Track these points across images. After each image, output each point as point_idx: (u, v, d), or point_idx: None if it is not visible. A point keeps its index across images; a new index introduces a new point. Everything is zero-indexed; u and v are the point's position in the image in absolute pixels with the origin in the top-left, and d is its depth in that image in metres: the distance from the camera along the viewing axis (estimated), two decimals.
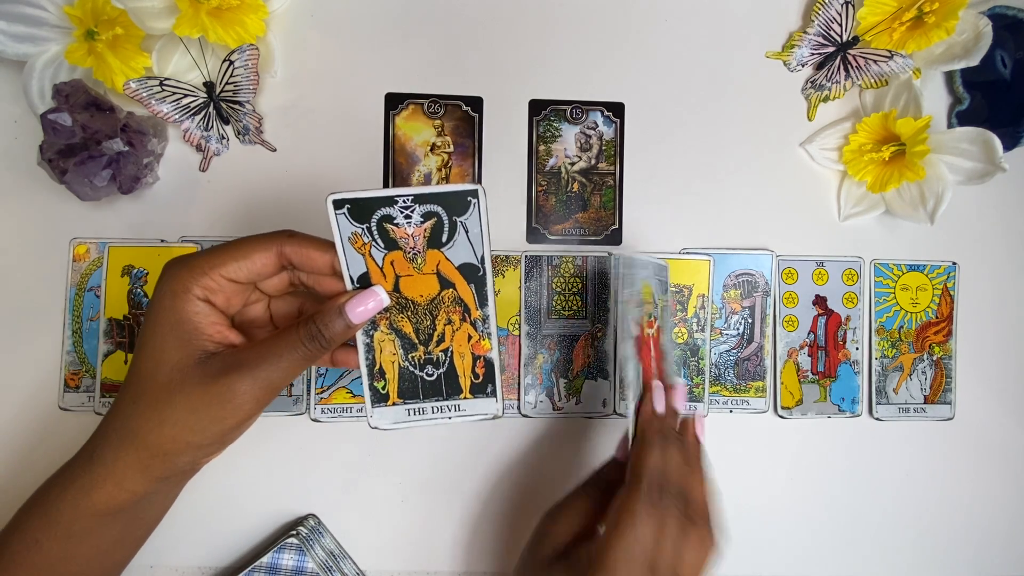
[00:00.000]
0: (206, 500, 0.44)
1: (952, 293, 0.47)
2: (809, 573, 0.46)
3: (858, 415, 0.47)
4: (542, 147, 0.46)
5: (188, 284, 0.29)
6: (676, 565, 0.31)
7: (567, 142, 0.46)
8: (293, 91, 0.45)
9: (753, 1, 0.47)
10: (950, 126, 0.47)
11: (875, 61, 0.44)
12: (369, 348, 0.34)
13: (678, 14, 0.47)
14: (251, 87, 0.42)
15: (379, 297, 0.31)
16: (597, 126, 0.46)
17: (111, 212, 0.44)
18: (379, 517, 0.44)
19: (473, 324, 0.34)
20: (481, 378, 0.35)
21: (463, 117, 0.46)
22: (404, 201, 0.30)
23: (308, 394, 0.44)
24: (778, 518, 0.46)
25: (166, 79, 0.41)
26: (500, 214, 0.45)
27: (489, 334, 0.33)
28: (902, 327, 0.47)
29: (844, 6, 0.44)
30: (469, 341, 0.34)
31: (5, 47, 0.40)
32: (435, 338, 0.34)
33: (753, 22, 0.47)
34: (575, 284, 0.45)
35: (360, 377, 0.43)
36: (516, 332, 0.45)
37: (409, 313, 0.33)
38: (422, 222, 0.31)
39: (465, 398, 0.35)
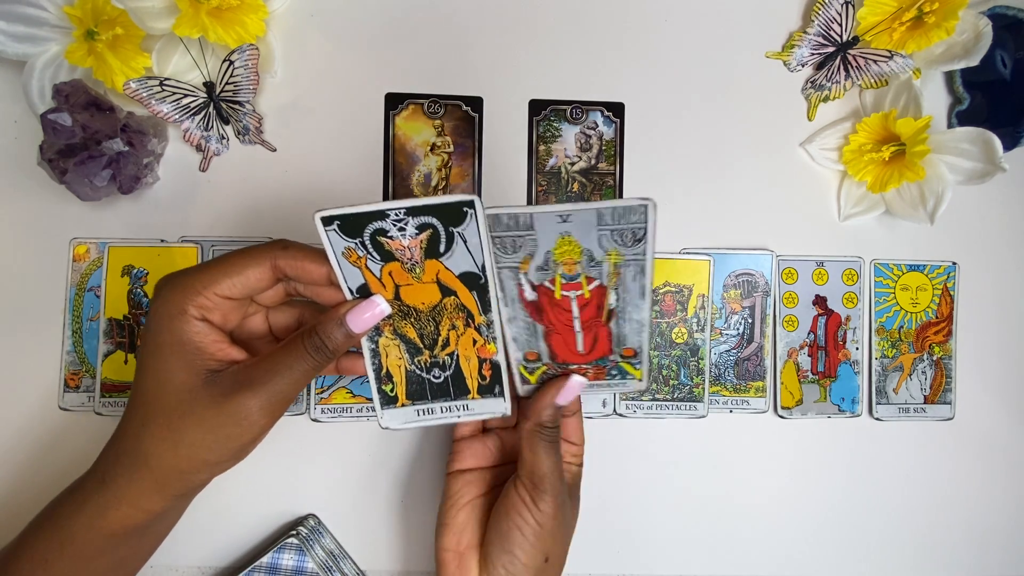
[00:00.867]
0: (206, 500, 0.43)
1: (952, 293, 0.47)
2: (809, 573, 0.46)
3: (858, 415, 0.47)
4: (542, 147, 0.46)
5: (183, 305, 0.29)
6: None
7: (567, 142, 0.46)
8: (293, 91, 0.45)
9: (753, 1, 0.47)
10: (950, 126, 0.47)
11: (875, 61, 0.44)
12: (375, 353, 0.34)
13: (678, 14, 0.47)
14: (251, 87, 0.42)
15: (379, 307, 0.31)
16: (597, 126, 0.46)
17: (111, 212, 0.44)
18: (379, 517, 0.44)
19: (477, 329, 0.33)
20: (488, 379, 0.34)
21: (463, 117, 0.46)
22: (396, 214, 0.29)
23: (308, 394, 0.44)
24: (778, 518, 0.46)
25: (166, 79, 0.41)
26: None
27: (494, 338, 0.33)
28: (902, 327, 0.47)
29: (844, 6, 0.44)
30: (475, 345, 0.34)
31: (5, 47, 0.40)
32: (440, 343, 0.34)
33: (753, 22, 0.47)
34: None
35: (365, 379, 0.43)
36: None
37: (412, 319, 0.33)
38: (417, 233, 0.30)
39: (473, 398, 0.35)
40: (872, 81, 0.45)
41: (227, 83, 0.42)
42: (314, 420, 0.44)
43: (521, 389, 0.35)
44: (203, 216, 0.44)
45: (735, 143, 0.47)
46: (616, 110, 0.46)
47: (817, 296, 0.47)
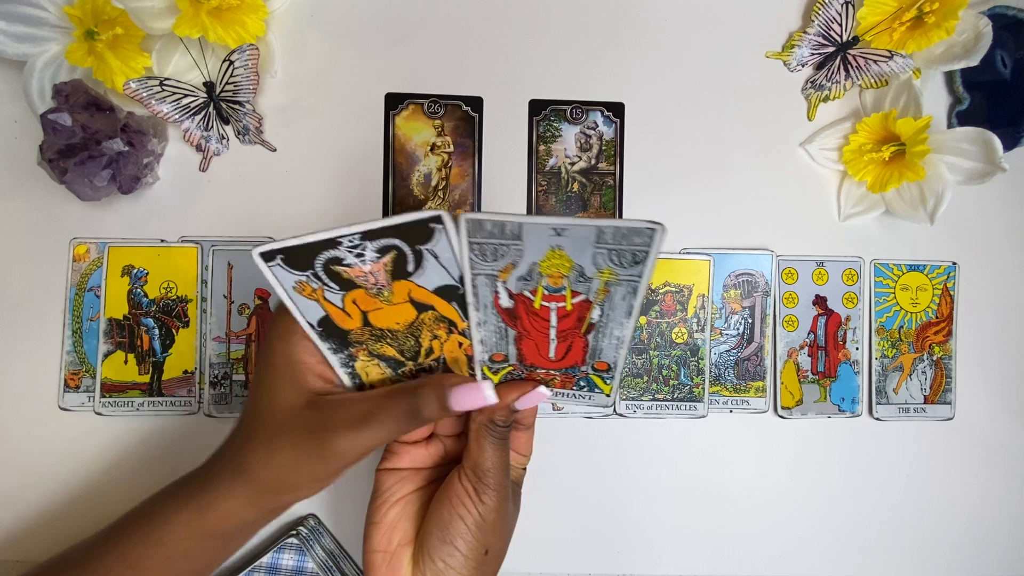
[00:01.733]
0: None
1: (952, 293, 0.47)
2: (809, 573, 0.46)
3: (858, 415, 0.47)
4: (542, 147, 0.46)
5: (293, 326, 0.30)
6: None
7: (567, 142, 0.46)
8: (293, 91, 0.45)
9: (753, 1, 0.47)
10: (950, 126, 0.47)
11: (875, 61, 0.44)
12: (353, 375, 0.32)
13: (678, 14, 0.47)
14: (251, 87, 0.42)
15: (485, 394, 0.30)
16: (597, 126, 0.46)
17: (111, 212, 0.44)
18: None
19: (462, 333, 0.31)
20: (475, 372, 0.33)
21: (463, 117, 0.46)
22: (350, 240, 0.25)
23: None
24: (778, 518, 0.46)
25: (166, 79, 0.41)
26: None
27: (481, 340, 0.31)
28: (902, 327, 0.47)
29: (844, 6, 0.44)
30: (461, 347, 0.32)
31: (5, 47, 0.40)
32: (423, 352, 0.32)
33: (753, 22, 0.47)
34: None
35: None
36: None
37: (388, 340, 0.31)
38: (379, 257, 0.27)
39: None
40: (872, 81, 0.45)
41: (227, 83, 0.42)
42: None
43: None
44: (203, 216, 0.44)
45: (735, 143, 0.47)
46: (616, 110, 0.46)
47: (817, 296, 0.47)
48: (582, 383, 0.33)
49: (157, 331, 0.44)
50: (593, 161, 0.46)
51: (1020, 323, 0.48)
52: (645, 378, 0.45)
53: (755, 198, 0.47)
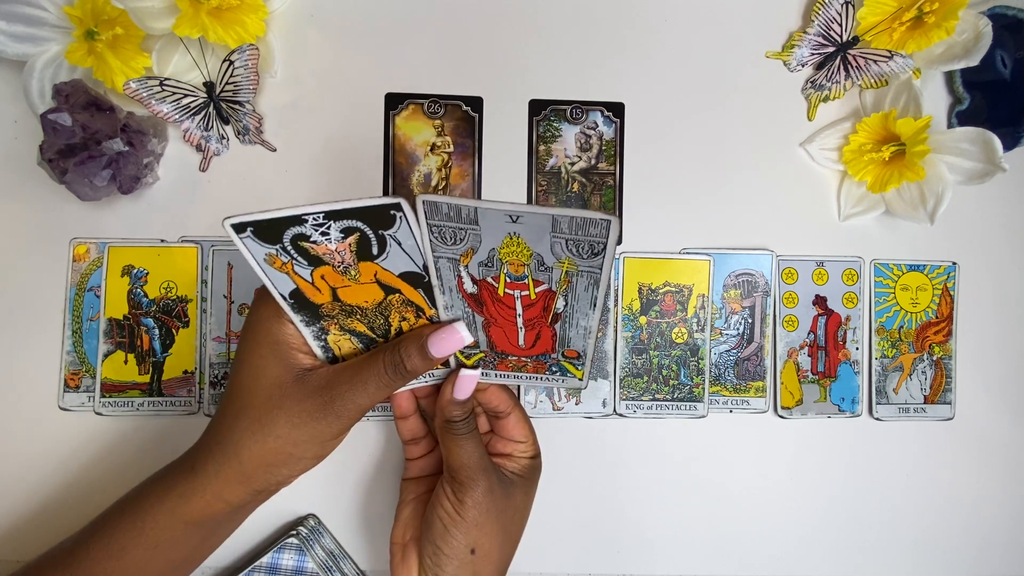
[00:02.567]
0: None
1: (952, 293, 0.47)
2: (809, 573, 0.46)
3: (858, 415, 0.47)
4: (542, 147, 0.46)
5: (276, 306, 0.31)
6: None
7: (567, 142, 0.46)
8: (293, 91, 0.45)
9: (753, 1, 0.47)
10: (950, 126, 0.47)
11: (875, 61, 0.44)
12: (326, 348, 0.33)
13: (678, 14, 0.47)
14: (251, 87, 0.42)
15: (460, 335, 0.31)
16: (597, 126, 0.46)
17: (111, 212, 0.44)
18: (379, 517, 0.44)
19: (430, 319, 0.32)
20: (448, 358, 0.33)
21: (463, 117, 0.46)
22: (316, 219, 0.26)
23: None
24: (778, 518, 0.46)
25: (166, 79, 0.41)
26: None
27: None
28: (902, 327, 0.47)
29: (844, 6, 0.44)
30: None
31: (5, 47, 0.40)
32: (393, 331, 0.32)
33: (753, 22, 0.47)
34: None
35: None
36: None
37: (359, 316, 0.31)
38: (343, 237, 0.27)
39: (437, 369, 0.34)
40: (872, 81, 0.45)
41: (227, 83, 0.42)
42: None
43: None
44: (203, 216, 0.44)
45: (735, 143, 0.47)
46: (616, 110, 0.46)
47: (817, 296, 0.47)
48: (554, 369, 0.34)
49: (157, 331, 0.44)
50: (593, 161, 0.46)
51: (1020, 323, 0.48)
52: (645, 378, 0.45)
53: (755, 198, 0.47)
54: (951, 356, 0.47)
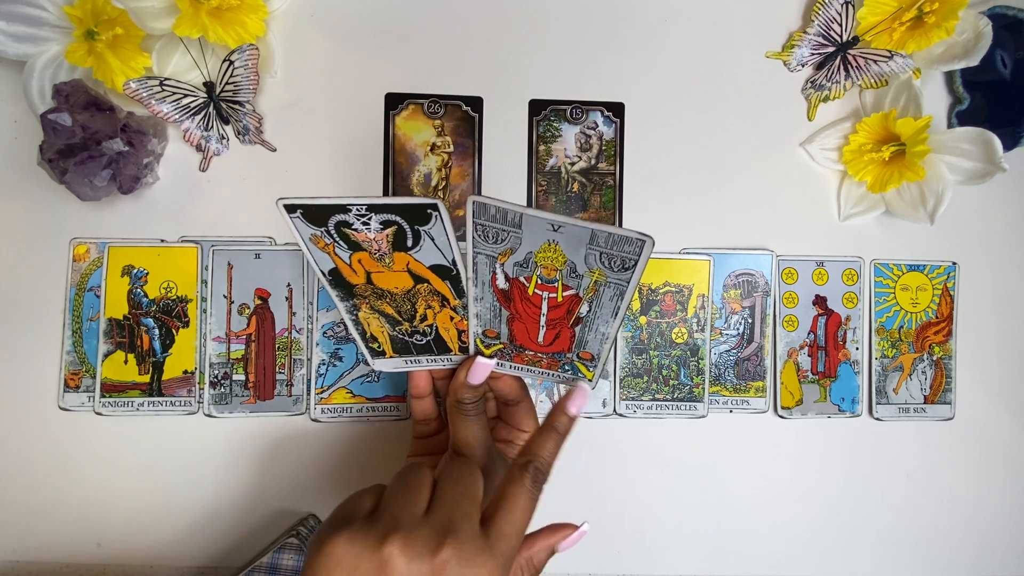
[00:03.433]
0: (206, 500, 0.44)
1: (952, 293, 0.47)
2: (809, 573, 0.46)
3: (858, 415, 0.47)
4: (542, 147, 0.46)
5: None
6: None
7: (567, 142, 0.46)
8: (293, 91, 0.45)
9: (753, 1, 0.47)
10: (950, 126, 0.47)
11: (875, 61, 0.44)
12: (356, 323, 0.35)
13: (678, 14, 0.47)
14: (251, 87, 0.42)
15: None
16: (597, 126, 0.46)
17: (111, 212, 0.44)
18: None
19: (454, 309, 0.34)
20: (469, 345, 0.35)
21: (463, 117, 0.46)
22: (358, 210, 0.29)
23: (308, 394, 0.44)
24: (778, 518, 0.46)
25: (166, 79, 0.41)
26: None
27: (477, 314, 0.34)
28: (902, 327, 0.47)
29: (844, 6, 0.44)
30: (452, 320, 0.34)
31: (5, 47, 0.40)
32: (418, 317, 0.34)
33: (753, 22, 0.47)
34: None
35: (364, 379, 0.43)
36: None
37: (388, 300, 0.33)
38: (382, 228, 0.30)
39: (456, 355, 0.36)
40: (872, 81, 0.45)
41: (227, 83, 0.42)
42: (314, 420, 0.44)
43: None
44: (203, 216, 0.44)
45: (735, 143, 0.47)
46: (616, 110, 0.46)
47: (817, 296, 0.47)
48: (567, 367, 0.36)
49: (157, 331, 0.44)
50: (593, 161, 0.46)
51: (1020, 323, 0.48)
52: (645, 378, 0.45)
53: (755, 198, 0.47)
54: (951, 356, 0.47)
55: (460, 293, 0.33)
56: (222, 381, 0.44)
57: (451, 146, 0.45)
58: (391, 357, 0.36)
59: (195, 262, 0.44)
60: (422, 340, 0.35)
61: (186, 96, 0.42)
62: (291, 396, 0.44)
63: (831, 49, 0.46)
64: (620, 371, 0.45)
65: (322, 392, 0.44)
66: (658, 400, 0.45)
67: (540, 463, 0.32)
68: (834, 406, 0.46)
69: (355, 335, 0.35)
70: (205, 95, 0.43)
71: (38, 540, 0.43)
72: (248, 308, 0.44)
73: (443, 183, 0.45)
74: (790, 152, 0.47)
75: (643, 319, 0.45)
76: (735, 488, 0.46)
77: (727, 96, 0.47)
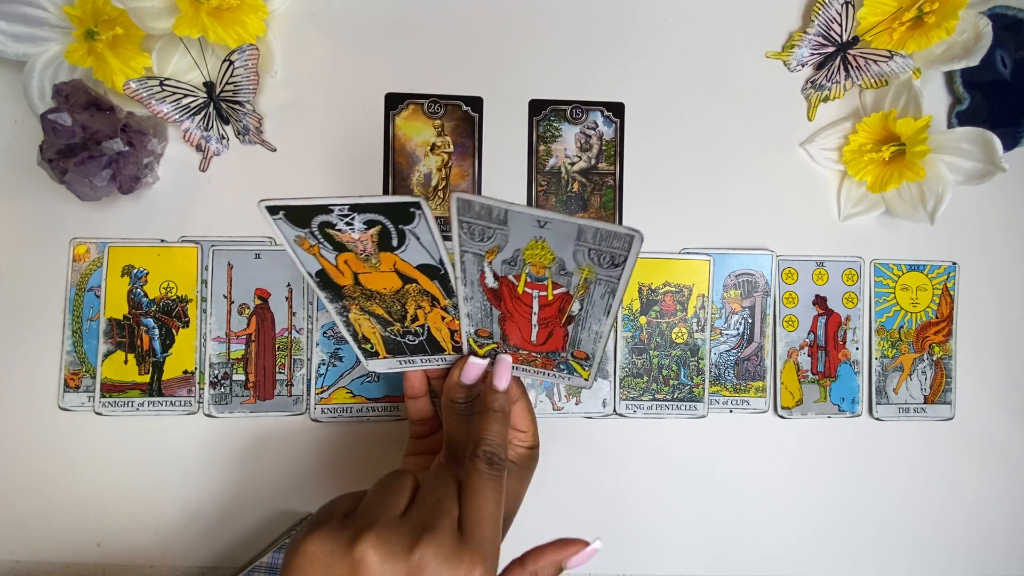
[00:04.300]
0: (206, 500, 0.44)
1: (952, 293, 0.47)
2: (809, 573, 0.46)
3: (858, 415, 0.47)
4: (542, 147, 0.46)
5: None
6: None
7: (567, 142, 0.46)
8: (293, 91, 0.45)
9: (753, 1, 0.47)
10: (950, 126, 0.47)
11: (875, 61, 0.44)
12: (347, 324, 0.35)
13: (678, 14, 0.47)
14: (251, 87, 0.42)
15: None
16: (597, 126, 0.46)
17: (111, 212, 0.44)
18: None
19: (444, 309, 0.33)
20: (462, 345, 0.35)
21: (463, 117, 0.46)
22: (341, 210, 0.28)
23: (308, 394, 0.44)
24: (778, 518, 0.46)
25: (166, 79, 0.41)
26: None
27: (468, 314, 0.33)
28: (902, 327, 0.47)
29: (844, 6, 0.44)
30: (443, 320, 0.34)
31: (5, 47, 0.40)
32: (409, 317, 0.34)
33: (753, 22, 0.47)
34: None
35: (364, 378, 0.43)
36: None
37: (377, 301, 0.33)
38: (366, 229, 0.29)
39: (450, 354, 0.36)
40: (872, 81, 0.45)
41: (227, 83, 0.42)
42: (314, 420, 0.44)
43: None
44: (203, 216, 0.44)
45: (735, 143, 0.47)
46: (616, 110, 0.46)
47: (817, 296, 0.47)
48: (562, 367, 0.35)
49: (157, 331, 0.44)
50: (593, 161, 0.46)
51: (1020, 323, 0.48)
52: (645, 378, 0.45)
53: (755, 198, 0.47)
54: (951, 356, 0.47)
55: (450, 293, 0.33)
56: (222, 381, 0.44)
57: (451, 146, 0.45)
58: (385, 358, 0.36)
59: (195, 262, 0.44)
60: (415, 340, 0.35)
61: (186, 96, 0.42)
62: (291, 396, 0.44)
63: (831, 49, 0.46)
64: (620, 371, 0.45)
65: (322, 392, 0.44)
66: (658, 400, 0.45)
67: (488, 446, 0.31)
68: (834, 406, 0.46)
69: (347, 336, 0.35)
70: (205, 95, 0.43)
71: (38, 540, 0.43)
72: (248, 308, 0.44)
73: (443, 183, 0.45)
74: (790, 152, 0.47)
75: (643, 319, 0.45)
76: (735, 488, 0.46)
77: (727, 96, 0.47)
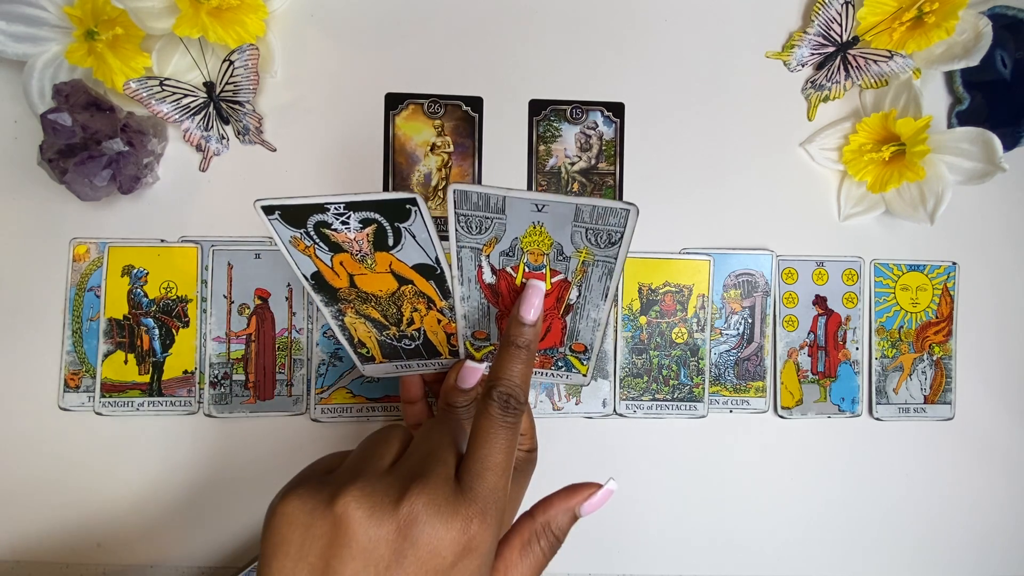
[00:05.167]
0: (206, 500, 0.44)
1: (952, 293, 0.47)
2: (809, 573, 0.46)
3: (858, 415, 0.47)
4: (542, 147, 0.46)
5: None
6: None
7: (567, 142, 0.46)
8: (293, 91, 0.45)
9: (753, 1, 0.47)
10: (950, 126, 0.47)
11: (875, 61, 0.44)
12: (343, 328, 0.34)
13: (678, 14, 0.47)
14: (251, 87, 0.42)
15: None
16: (597, 126, 0.46)
17: (111, 212, 0.44)
18: None
19: (440, 311, 0.33)
20: (459, 348, 0.35)
21: (463, 117, 0.46)
22: (336, 208, 0.28)
23: (308, 394, 0.44)
24: (778, 518, 0.46)
25: (166, 79, 0.41)
26: None
27: (464, 315, 0.33)
28: (902, 327, 0.47)
29: (844, 6, 0.44)
30: (440, 323, 0.34)
31: (5, 47, 0.40)
32: (404, 321, 0.34)
33: (753, 22, 0.47)
34: None
35: (364, 379, 0.43)
36: None
37: (373, 304, 0.33)
38: (362, 228, 0.29)
39: (446, 358, 0.36)
40: (872, 81, 0.45)
41: (227, 83, 0.42)
42: (314, 420, 0.44)
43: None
44: (203, 216, 0.44)
45: (735, 143, 0.47)
46: (616, 110, 0.46)
47: (817, 296, 0.47)
48: (560, 363, 0.35)
49: (157, 331, 0.44)
50: (593, 161, 0.46)
51: (1020, 323, 0.48)
52: (645, 378, 0.45)
53: (755, 198, 0.47)
54: (951, 356, 0.47)
55: (446, 294, 0.32)
56: (222, 381, 0.44)
57: (451, 146, 0.45)
58: (381, 362, 0.36)
59: (195, 262, 0.44)
60: (411, 344, 0.35)
61: (186, 96, 0.42)
62: (291, 396, 0.44)
63: (831, 49, 0.46)
64: (620, 371, 0.45)
65: (322, 392, 0.44)
66: (658, 400, 0.45)
67: (505, 386, 0.27)
68: (834, 406, 0.46)
69: (342, 341, 0.35)
70: (205, 95, 0.43)
71: (38, 540, 0.43)
72: (248, 308, 0.44)
73: (443, 183, 0.45)
74: (790, 152, 0.47)
75: (643, 319, 0.45)
76: (735, 488, 0.46)
77: (727, 96, 0.47)
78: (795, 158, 0.47)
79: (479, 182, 0.46)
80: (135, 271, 0.44)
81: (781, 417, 0.46)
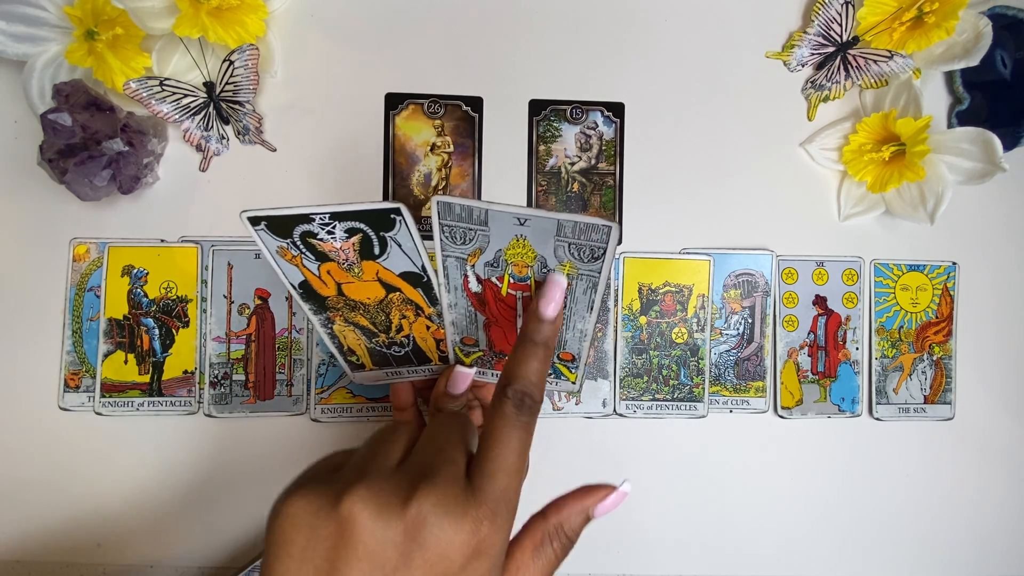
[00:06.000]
0: (206, 500, 0.44)
1: (952, 293, 0.47)
2: (809, 573, 0.46)
3: (858, 415, 0.47)
4: (542, 147, 0.46)
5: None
6: None
7: (567, 142, 0.46)
8: (293, 91, 0.45)
9: (753, 1, 0.47)
10: (950, 126, 0.47)
11: (875, 61, 0.44)
12: (332, 337, 0.34)
13: (678, 14, 0.47)
14: (251, 87, 0.42)
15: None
16: (597, 126, 0.46)
17: (111, 212, 0.44)
18: None
19: (428, 318, 0.33)
20: (448, 354, 0.35)
21: (463, 117, 0.46)
22: (322, 218, 0.28)
23: (308, 394, 0.44)
24: (778, 518, 0.46)
25: (166, 79, 0.41)
26: None
27: (453, 322, 0.33)
28: (902, 327, 0.47)
29: (844, 6, 0.44)
30: (428, 330, 0.34)
31: (5, 47, 0.40)
32: (393, 328, 0.34)
33: (753, 22, 0.47)
34: None
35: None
36: None
37: (361, 311, 0.33)
38: (347, 237, 0.29)
39: (436, 364, 0.36)
40: (872, 81, 0.45)
41: (227, 83, 0.42)
42: (314, 420, 0.44)
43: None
44: (203, 216, 0.44)
45: (735, 143, 0.47)
46: (616, 110, 0.46)
47: (817, 296, 0.47)
48: (550, 372, 0.35)
49: (157, 331, 0.44)
50: (593, 161, 0.46)
51: (1020, 323, 0.48)
52: (645, 378, 0.45)
53: (755, 198, 0.47)
54: (951, 356, 0.47)
55: (433, 301, 0.32)
56: (222, 381, 0.44)
57: (451, 146, 0.45)
58: (371, 369, 0.36)
59: (195, 262, 0.44)
60: (401, 351, 0.35)
61: (186, 96, 0.42)
62: (291, 396, 0.44)
63: (831, 49, 0.46)
64: (620, 371, 0.45)
65: (322, 392, 0.44)
66: (658, 400, 0.45)
67: (522, 384, 0.26)
68: (834, 406, 0.46)
69: (332, 349, 0.35)
70: (205, 95, 0.43)
71: (38, 540, 0.43)
72: (248, 308, 0.44)
73: (443, 183, 0.45)
74: (790, 152, 0.47)
75: (643, 319, 0.45)
76: (735, 488, 0.46)
77: (727, 96, 0.47)
78: (795, 158, 0.47)
79: (479, 182, 0.46)
80: (135, 271, 0.44)
81: (781, 417, 0.46)
